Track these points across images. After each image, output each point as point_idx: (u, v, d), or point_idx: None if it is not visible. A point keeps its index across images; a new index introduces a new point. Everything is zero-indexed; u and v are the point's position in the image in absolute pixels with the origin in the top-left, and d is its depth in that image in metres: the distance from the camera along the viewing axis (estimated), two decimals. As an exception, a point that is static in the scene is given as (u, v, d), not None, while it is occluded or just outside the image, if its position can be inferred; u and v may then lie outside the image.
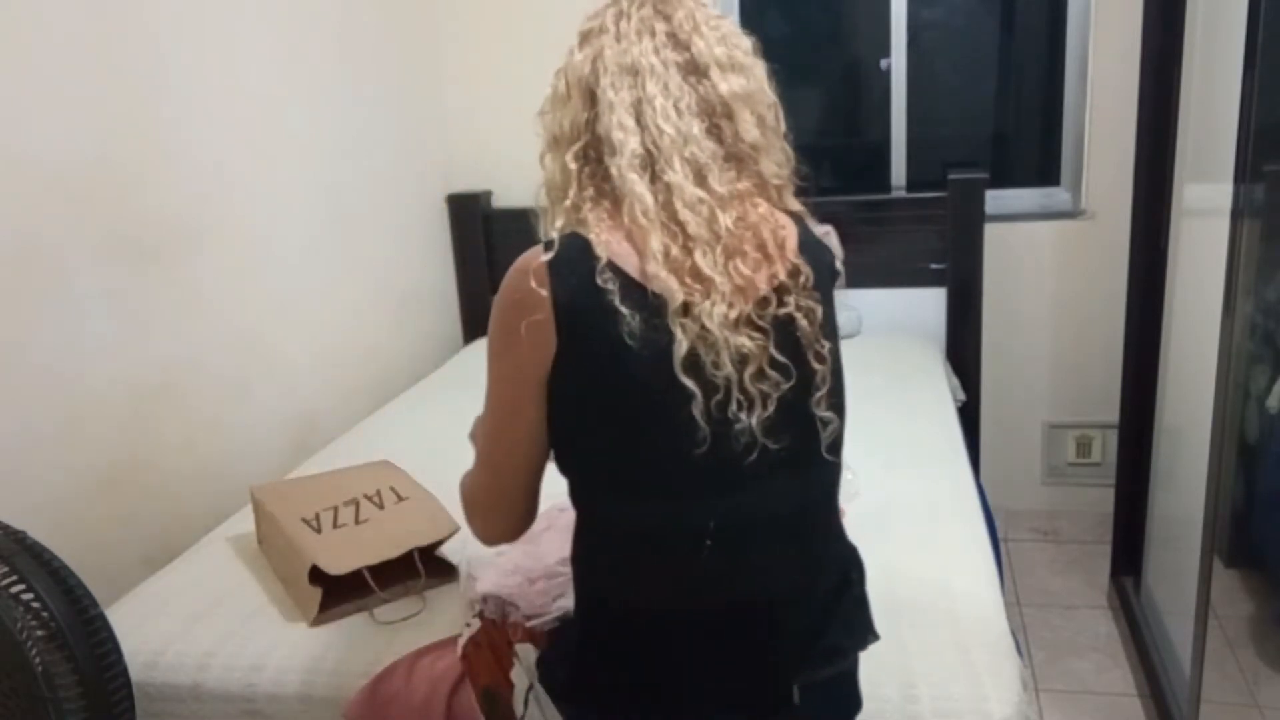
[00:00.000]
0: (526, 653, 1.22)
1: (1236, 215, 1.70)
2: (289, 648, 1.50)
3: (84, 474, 1.79)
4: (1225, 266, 1.73)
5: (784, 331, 0.98)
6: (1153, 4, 2.27)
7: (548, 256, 0.96)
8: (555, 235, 0.99)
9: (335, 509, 1.70)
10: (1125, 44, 2.53)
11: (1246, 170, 1.66)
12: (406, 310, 2.99)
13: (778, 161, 1.04)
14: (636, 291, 0.94)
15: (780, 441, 0.98)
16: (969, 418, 2.76)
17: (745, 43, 1.05)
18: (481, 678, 1.30)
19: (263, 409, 2.31)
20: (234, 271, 2.21)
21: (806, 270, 1.01)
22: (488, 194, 3.24)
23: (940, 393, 2.52)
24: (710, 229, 0.96)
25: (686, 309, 0.94)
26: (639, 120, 0.98)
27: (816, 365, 1.00)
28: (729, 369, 0.94)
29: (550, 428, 1.02)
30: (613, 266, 0.95)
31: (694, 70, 1.00)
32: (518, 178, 3.09)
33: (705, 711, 1.06)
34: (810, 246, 1.05)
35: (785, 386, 0.97)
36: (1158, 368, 2.36)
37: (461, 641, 1.36)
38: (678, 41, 1.00)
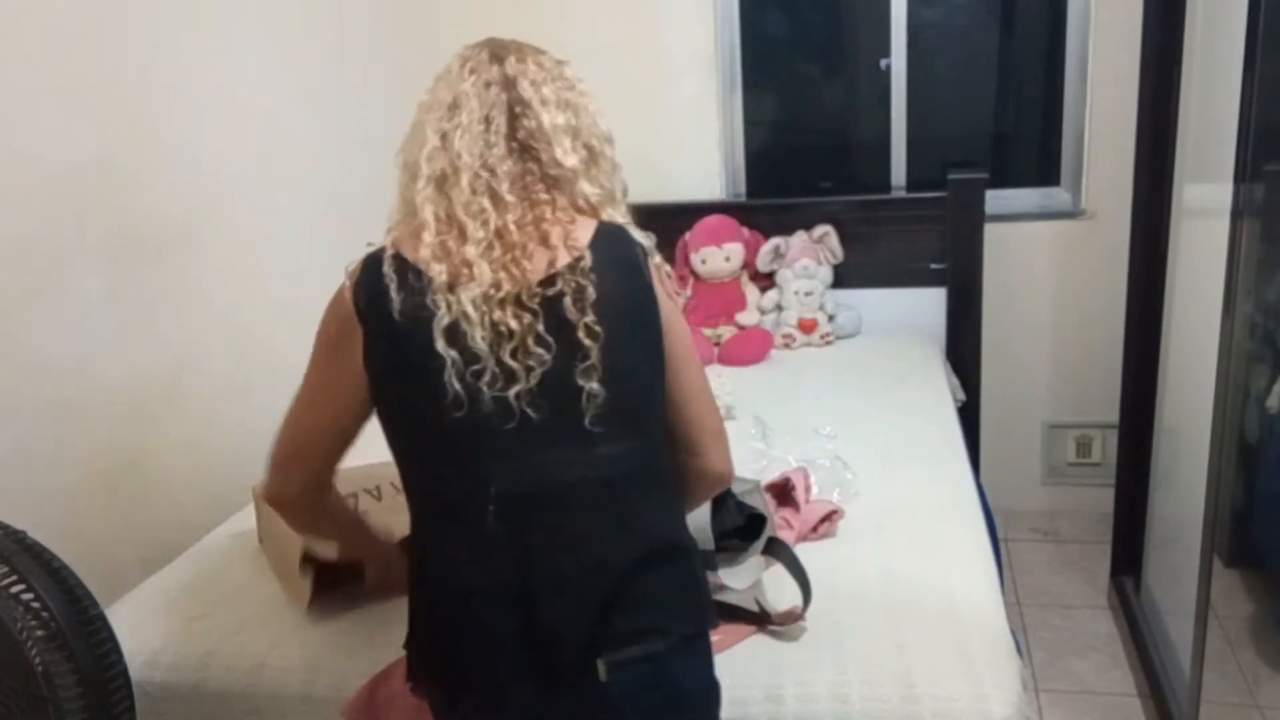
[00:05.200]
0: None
1: (1236, 215, 1.69)
2: (289, 648, 1.51)
3: (84, 474, 1.79)
4: (1225, 266, 1.73)
5: (553, 311, 1.08)
6: (1153, 4, 2.27)
7: (361, 260, 1.13)
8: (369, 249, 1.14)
9: (335, 507, 1.70)
10: (1125, 44, 2.53)
11: (1246, 170, 1.66)
12: (406, 310, 2.98)
13: (601, 184, 1.15)
14: (410, 275, 1.08)
15: (541, 412, 1.07)
16: (969, 418, 2.76)
17: (580, 86, 1.18)
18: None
19: (263, 409, 2.29)
20: (234, 271, 2.21)
21: (589, 258, 1.09)
22: (488, 194, 3.23)
23: (940, 392, 2.52)
24: (485, 229, 1.08)
25: (451, 288, 1.06)
26: (445, 146, 1.12)
27: (586, 341, 1.07)
28: (484, 344, 1.05)
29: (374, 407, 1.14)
30: (396, 257, 1.09)
31: (519, 103, 1.13)
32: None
33: (514, 686, 1.10)
34: (608, 238, 1.12)
35: (549, 359, 1.06)
36: (1158, 368, 2.36)
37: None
38: (507, 80, 1.14)
